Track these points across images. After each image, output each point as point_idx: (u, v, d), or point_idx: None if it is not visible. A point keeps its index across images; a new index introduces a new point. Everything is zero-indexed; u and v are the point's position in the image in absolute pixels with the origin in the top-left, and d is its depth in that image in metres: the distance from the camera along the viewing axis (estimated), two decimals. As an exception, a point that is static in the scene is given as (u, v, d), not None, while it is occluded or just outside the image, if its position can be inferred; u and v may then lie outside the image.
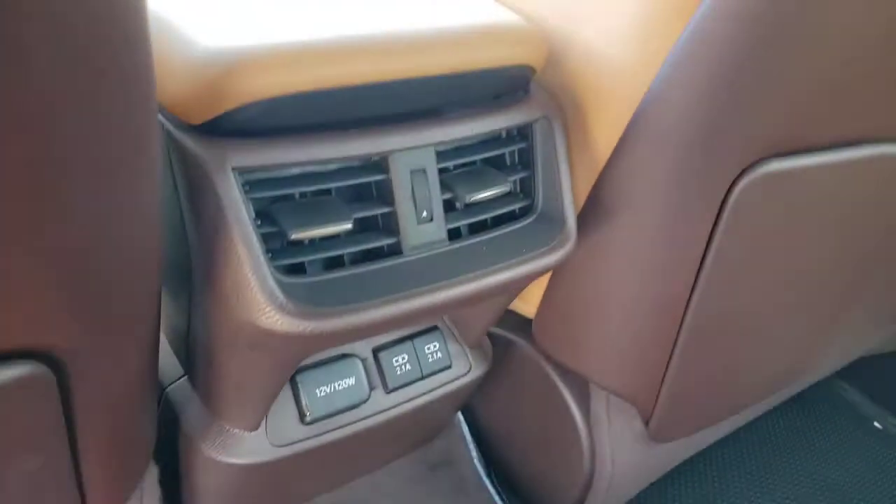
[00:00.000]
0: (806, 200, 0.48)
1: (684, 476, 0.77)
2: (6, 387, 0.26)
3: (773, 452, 0.88)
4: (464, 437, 0.67)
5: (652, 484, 0.68)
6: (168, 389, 0.47)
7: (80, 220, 0.24)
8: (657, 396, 0.53)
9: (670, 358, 0.51)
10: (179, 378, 0.48)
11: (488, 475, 0.66)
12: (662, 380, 0.52)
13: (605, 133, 0.45)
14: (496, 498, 0.65)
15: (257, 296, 0.33)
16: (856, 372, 1.03)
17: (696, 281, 0.47)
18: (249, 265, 0.32)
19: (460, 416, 0.69)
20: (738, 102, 0.41)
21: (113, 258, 0.27)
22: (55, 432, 0.31)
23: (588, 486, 0.58)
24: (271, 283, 0.33)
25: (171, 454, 0.48)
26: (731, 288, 0.49)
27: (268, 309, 0.33)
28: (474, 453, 0.67)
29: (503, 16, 0.42)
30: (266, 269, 0.33)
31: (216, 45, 0.32)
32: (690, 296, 0.48)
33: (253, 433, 0.45)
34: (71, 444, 0.33)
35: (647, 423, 0.55)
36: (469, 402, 0.68)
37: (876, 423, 0.99)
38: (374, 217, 0.39)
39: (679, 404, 0.54)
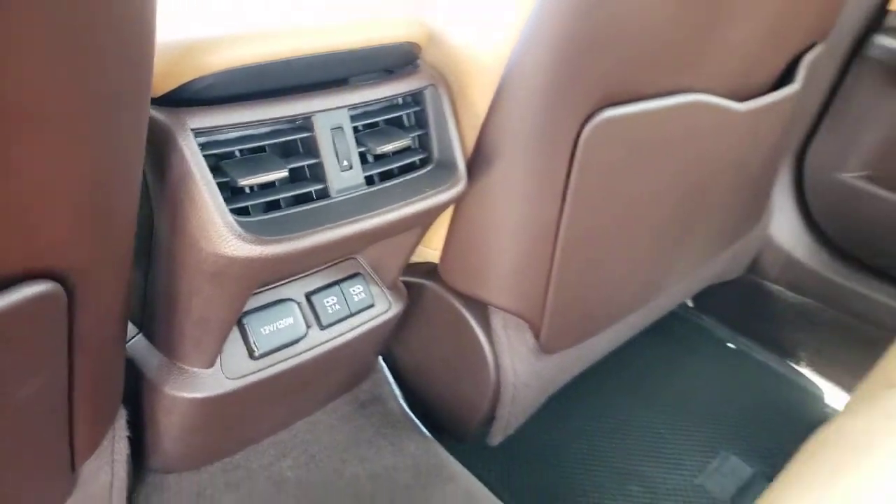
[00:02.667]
0: (639, 140, 0.61)
1: (577, 391, 0.91)
2: (28, 302, 0.33)
3: (648, 373, 1.04)
4: (386, 378, 0.77)
5: (550, 398, 0.80)
6: (126, 346, 0.53)
7: (96, 153, 0.31)
8: (543, 311, 0.65)
9: (549, 276, 0.63)
10: (135, 336, 0.54)
11: (410, 407, 0.76)
12: (545, 296, 0.64)
13: (481, 95, 0.55)
14: (419, 425, 0.75)
15: (221, 229, 0.41)
16: (708, 301, 1.21)
17: (561, 209, 0.59)
18: (213, 206, 0.40)
19: (381, 361, 0.78)
20: (578, 62, 0.53)
21: (116, 191, 0.34)
22: (58, 353, 0.38)
23: (496, 398, 0.69)
24: (230, 219, 0.41)
25: (134, 403, 0.55)
26: (590, 213, 0.62)
27: (230, 238, 0.41)
28: (397, 391, 0.77)
29: (388, 5, 0.52)
30: (225, 208, 0.41)
31: (174, 36, 0.40)
32: (559, 222, 0.60)
33: (209, 370, 0.52)
34: (68, 370, 0.39)
35: (537, 336, 0.67)
36: (389, 348, 0.77)
37: (729, 344, 1.17)
38: (303, 168, 0.47)
39: (560, 318, 0.67)
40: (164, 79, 0.40)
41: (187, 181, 0.40)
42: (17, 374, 0.36)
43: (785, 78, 0.80)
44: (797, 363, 1.15)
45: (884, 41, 0.99)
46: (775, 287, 1.16)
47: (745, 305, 1.18)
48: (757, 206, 1.00)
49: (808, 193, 1.13)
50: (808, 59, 0.82)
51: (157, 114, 0.40)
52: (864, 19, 1.01)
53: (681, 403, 1.00)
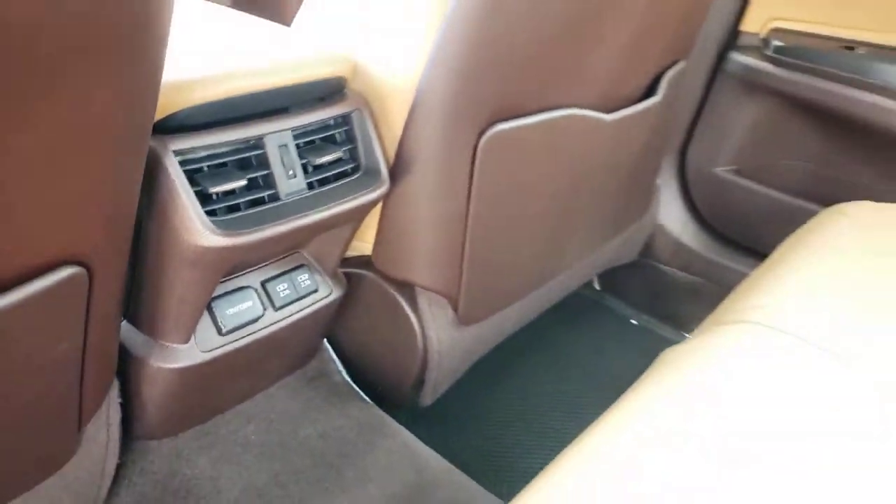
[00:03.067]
0: (525, 147, 0.76)
1: (500, 363, 1.05)
2: (64, 281, 0.45)
3: (562, 347, 1.19)
4: (331, 356, 0.90)
5: (476, 368, 0.95)
6: (113, 330, 0.65)
7: (118, 171, 0.43)
8: (459, 289, 0.79)
9: (462, 260, 0.77)
10: (121, 321, 0.66)
11: (353, 379, 0.89)
12: (460, 276, 0.78)
13: (397, 114, 0.70)
14: (360, 393, 0.88)
15: (198, 226, 0.53)
16: (611, 282, 1.38)
17: (468, 205, 0.74)
18: (192, 209, 0.53)
19: (326, 342, 0.91)
20: (473, 87, 0.68)
21: (126, 198, 0.46)
22: (79, 324, 0.49)
23: (424, 364, 0.83)
24: (205, 218, 0.54)
25: (121, 379, 0.66)
26: (491, 207, 0.76)
27: (205, 233, 0.53)
28: (340, 367, 0.90)
29: (322, 47, 0.66)
30: (201, 210, 0.54)
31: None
32: (467, 215, 0.74)
33: (186, 345, 0.64)
34: (84, 339, 0.51)
35: (456, 310, 0.82)
36: (333, 332, 0.90)
37: (632, 321, 1.35)
38: (258, 178, 0.60)
39: (473, 294, 0.81)
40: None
41: (172, 191, 0.53)
42: (51, 340, 0.48)
43: (650, 91, 0.97)
44: (690, 334, 1.33)
45: (738, 58, 1.19)
46: (668, 268, 1.35)
47: (643, 285, 1.36)
48: (642, 199, 1.17)
49: (690, 186, 1.33)
50: (669, 74, 0.99)
51: (150, 140, 0.53)
52: (722, 39, 1.21)
53: (590, 372, 1.16)
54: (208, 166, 0.57)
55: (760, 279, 0.75)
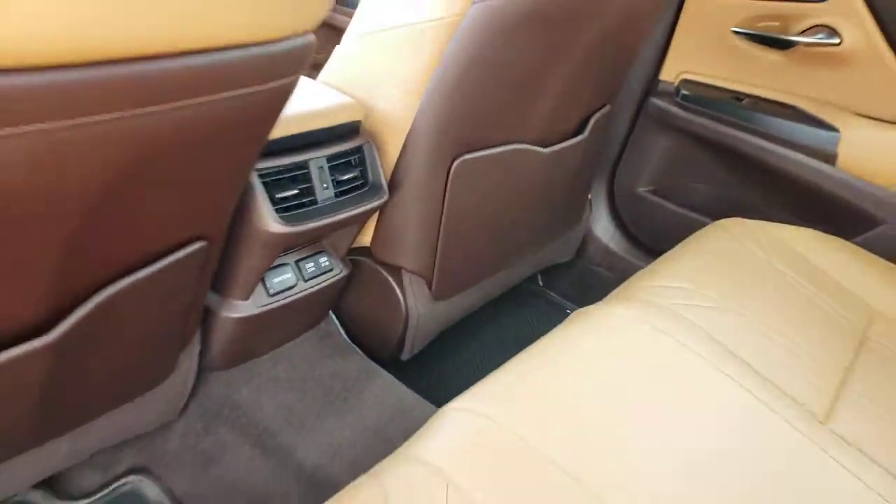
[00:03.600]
0: (484, 172, 1.07)
1: (465, 334, 1.36)
2: (196, 251, 0.73)
3: (511, 330, 1.50)
4: (335, 321, 1.19)
5: (445, 337, 1.25)
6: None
7: (239, 185, 0.72)
8: (433, 272, 1.09)
9: (437, 250, 1.07)
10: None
11: (351, 338, 1.19)
12: (434, 262, 1.08)
13: (394, 147, 0.99)
14: (357, 349, 1.17)
15: (268, 218, 0.82)
16: (552, 279, 1.70)
17: (442, 211, 1.04)
18: (265, 206, 0.82)
19: (332, 313, 1.20)
20: (447, 129, 0.98)
21: (236, 196, 0.75)
22: (196, 281, 0.78)
23: (405, 328, 1.13)
24: (274, 213, 0.83)
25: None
26: (459, 214, 1.07)
27: (273, 223, 0.83)
28: (342, 330, 1.19)
29: (344, 99, 0.95)
30: (271, 208, 0.83)
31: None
32: (441, 218, 1.04)
33: (246, 302, 0.93)
34: (194, 294, 0.79)
35: (430, 288, 1.12)
36: (338, 303, 1.19)
37: (567, 310, 1.66)
38: (303, 189, 0.89)
39: (444, 276, 1.11)
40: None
41: (254, 195, 0.82)
42: (179, 292, 0.76)
43: (580, 129, 1.28)
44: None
45: (656, 102, 1.51)
46: (597, 268, 1.67)
47: (577, 281, 1.68)
48: (575, 211, 1.49)
49: (617, 202, 1.65)
50: (596, 116, 1.31)
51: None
52: (644, 86, 1.53)
53: (526, 343, 1.47)
54: (274, 179, 0.86)
55: (651, 270, 1.06)
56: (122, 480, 0.97)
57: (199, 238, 0.73)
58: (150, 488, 0.98)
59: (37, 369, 0.62)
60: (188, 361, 0.91)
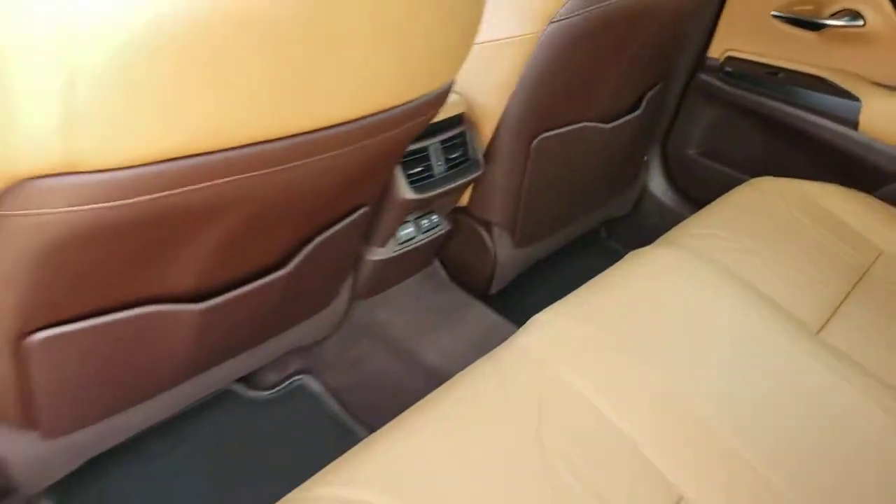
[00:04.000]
0: (559, 146, 1.36)
1: (543, 275, 1.68)
2: (363, 214, 1.06)
3: (580, 273, 1.81)
4: (438, 263, 1.53)
5: (525, 277, 1.57)
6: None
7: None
8: (515, 224, 1.41)
9: (518, 207, 1.39)
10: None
11: (450, 279, 1.53)
12: (516, 216, 1.40)
13: (489, 131, 1.30)
14: (458, 288, 1.51)
15: (405, 190, 1.15)
16: (612, 230, 1.98)
17: (523, 176, 1.34)
18: (403, 182, 1.15)
19: (437, 260, 1.54)
20: (532, 112, 1.27)
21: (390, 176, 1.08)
22: (359, 235, 1.11)
23: (493, 267, 1.46)
24: (408, 186, 1.16)
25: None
26: (537, 180, 1.37)
27: (409, 191, 1.16)
28: (443, 273, 1.53)
29: (453, 97, 1.26)
30: (406, 182, 1.16)
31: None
32: (522, 181, 1.35)
33: (384, 248, 1.27)
34: (357, 243, 1.14)
35: (513, 237, 1.44)
36: (441, 251, 1.53)
37: (629, 256, 1.94)
38: (424, 166, 1.22)
39: (523, 228, 1.43)
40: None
41: (396, 173, 1.15)
42: (352, 240, 1.10)
43: (636, 106, 1.55)
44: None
45: (703, 77, 1.75)
46: (652, 220, 1.94)
47: (635, 232, 1.96)
48: (632, 173, 1.77)
49: (670, 163, 1.91)
50: (649, 94, 1.57)
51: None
52: (693, 63, 1.77)
53: (595, 286, 1.77)
54: (406, 160, 1.18)
55: (693, 220, 1.34)
56: (293, 378, 1.35)
57: (363, 205, 1.06)
58: (313, 384, 1.35)
59: (275, 291, 0.98)
60: (345, 292, 1.27)
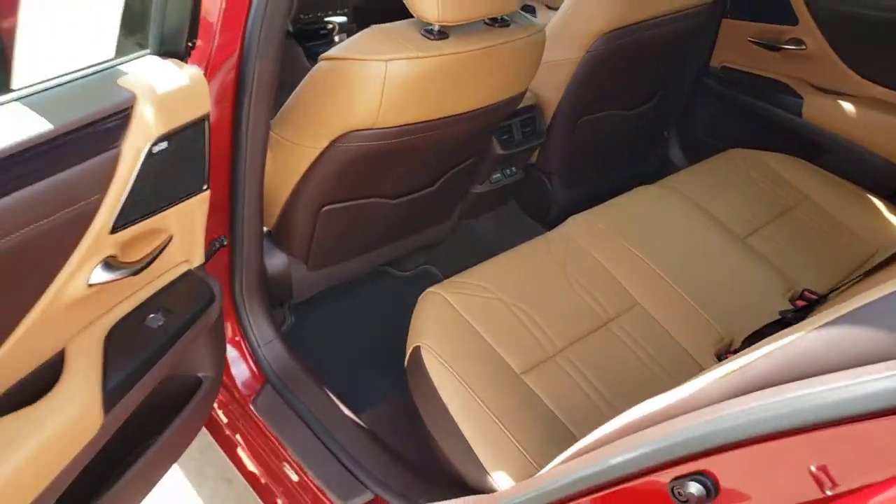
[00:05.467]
0: (596, 126, 2.15)
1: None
2: (475, 161, 1.89)
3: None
4: (514, 202, 2.36)
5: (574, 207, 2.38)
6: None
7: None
8: (569, 172, 2.22)
9: (569, 162, 2.19)
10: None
11: (522, 211, 2.35)
12: (568, 169, 2.21)
13: (549, 113, 2.11)
14: (527, 217, 2.33)
15: (498, 147, 1.98)
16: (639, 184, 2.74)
17: (572, 142, 2.15)
18: (497, 142, 1.98)
19: (514, 199, 2.37)
20: (575, 106, 2.07)
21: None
22: (472, 172, 1.95)
23: (551, 202, 2.27)
24: (499, 145, 1.99)
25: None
26: (582, 143, 2.17)
27: (500, 150, 1.99)
28: (517, 207, 2.36)
29: (529, 93, 2.08)
30: (498, 143, 1.99)
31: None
32: (571, 147, 2.16)
33: (482, 185, 2.11)
34: (472, 177, 1.97)
35: (565, 182, 2.24)
36: (517, 193, 2.34)
37: (651, 207, 2.72)
38: (508, 135, 2.04)
39: (573, 175, 2.23)
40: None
41: (492, 138, 1.98)
42: (470, 172, 1.94)
43: (651, 98, 2.32)
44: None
45: (706, 80, 2.50)
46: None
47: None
48: (653, 145, 2.55)
49: (683, 140, 2.66)
50: (661, 92, 2.34)
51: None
52: (699, 69, 2.51)
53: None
54: (498, 130, 2.00)
55: (684, 172, 2.12)
56: (420, 267, 2.22)
57: (473, 156, 1.89)
58: (433, 271, 2.21)
59: (423, 203, 1.83)
60: (456, 212, 2.11)
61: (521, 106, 2.01)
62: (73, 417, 0.88)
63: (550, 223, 2.10)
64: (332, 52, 1.39)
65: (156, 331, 1.03)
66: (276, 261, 1.74)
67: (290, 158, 1.54)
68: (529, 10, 2.97)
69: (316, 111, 1.45)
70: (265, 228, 1.66)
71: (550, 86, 2.07)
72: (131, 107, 0.90)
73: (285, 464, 1.45)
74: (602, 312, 1.55)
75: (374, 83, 1.34)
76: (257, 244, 1.53)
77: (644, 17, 1.95)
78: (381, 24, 1.40)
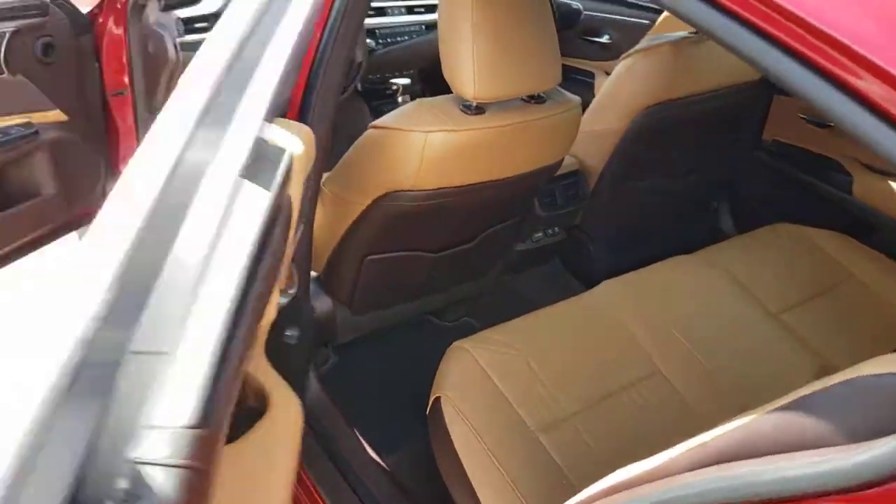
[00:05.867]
0: (638, 189, 2.22)
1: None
2: (515, 222, 1.99)
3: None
4: (558, 261, 2.43)
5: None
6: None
7: None
8: (610, 238, 2.28)
9: (612, 227, 2.26)
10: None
11: (565, 269, 2.43)
12: (611, 233, 2.27)
13: (593, 178, 2.19)
14: (569, 275, 2.40)
15: (538, 209, 2.08)
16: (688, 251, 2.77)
17: (616, 207, 2.22)
18: (537, 205, 2.08)
19: (557, 258, 2.44)
20: (620, 169, 2.15)
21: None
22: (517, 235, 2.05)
23: (593, 265, 2.33)
24: (540, 207, 2.09)
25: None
26: (627, 210, 2.24)
27: (539, 210, 2.08)
28: (560, 266, 2.43)
29: (573, 161, 2.17)
30: (539, 205, 2.09)
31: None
32: (615, 210, 2.23)
33: (524, 243, 2.20)
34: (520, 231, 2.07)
35: (607, 247, 2.31)
36: (560, 252, 2.42)
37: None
38: (550, 198, 2.14)
39: (616, 241, 2.30)
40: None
41: (534, 200, 2.08)
42: (508, 237, 2.04)
43: (693, 170, 2.37)
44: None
45: (758, 153, 2.52)
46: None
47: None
48: (700, 214, 2.58)
49: (733, 209, 2.68)
50: (706, 160, 2.38)
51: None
52: (751, 143, 2.54)
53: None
54: (540, 193, 2.10)
55: (726, 243, 2.15)
56: (462, 318, 2.31)
57: (516, 216, 1.99)
58: (473, 323, 2.30)
59: (463, 257, 1.93)
60: (498, 266, 2.20)
61: (565, 171, 2.11)
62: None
63: (592, 285, 2.17)
64: (380, 121, 1.54)
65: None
66: (323, 304, 1.88)
67: (338, 211, 1.69)
68: (589, 75, 3.09)
69: (363, 171, 1.60)
70: (313, 273, 1.81)
71: (594, 153, 2.15)
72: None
73: (310, 497, 1.56)
74: (623, 377, 1.60)
75: (414, 151, 1.47)
76: (304, 287, 1.67)
77: (689, 92, 2.03)
78: (424, 98, 1.54)
